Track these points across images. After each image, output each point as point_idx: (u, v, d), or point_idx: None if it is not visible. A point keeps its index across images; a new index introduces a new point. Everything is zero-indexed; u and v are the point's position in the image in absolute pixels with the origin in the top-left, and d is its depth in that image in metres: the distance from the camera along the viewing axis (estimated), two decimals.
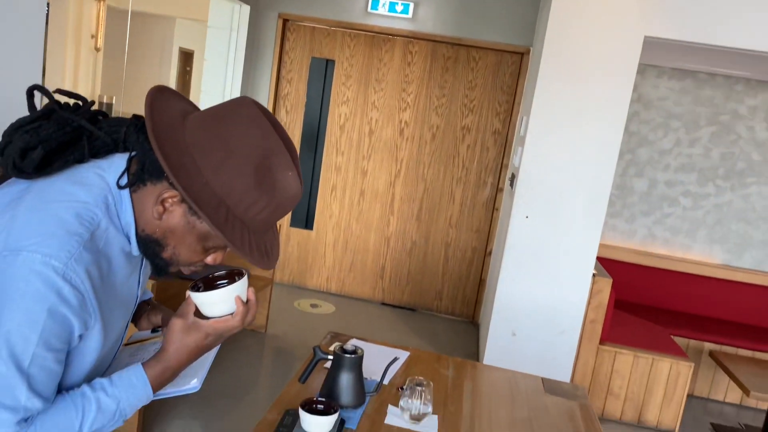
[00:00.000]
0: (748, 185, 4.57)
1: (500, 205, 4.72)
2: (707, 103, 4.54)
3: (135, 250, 1.05)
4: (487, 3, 4.55)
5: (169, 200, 0.99)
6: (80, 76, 13.28)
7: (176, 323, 1.08)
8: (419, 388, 1.72)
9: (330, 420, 1.53)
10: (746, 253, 4.62)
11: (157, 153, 0.94)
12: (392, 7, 4.64)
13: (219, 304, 1.08)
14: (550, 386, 2.12)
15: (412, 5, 4.62)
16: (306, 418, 1.52)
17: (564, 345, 3.62)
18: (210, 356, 1.21)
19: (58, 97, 1.05)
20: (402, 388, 1.79)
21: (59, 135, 1.01)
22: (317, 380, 1.86)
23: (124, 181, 1.01)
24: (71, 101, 1.07)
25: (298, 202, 1.05)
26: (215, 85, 4.72)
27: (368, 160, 4.89)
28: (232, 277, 1.14)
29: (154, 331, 1.28)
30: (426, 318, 4.86)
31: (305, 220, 5.05)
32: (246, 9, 4.64)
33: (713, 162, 4.59)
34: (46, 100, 1.07)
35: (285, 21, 4.82)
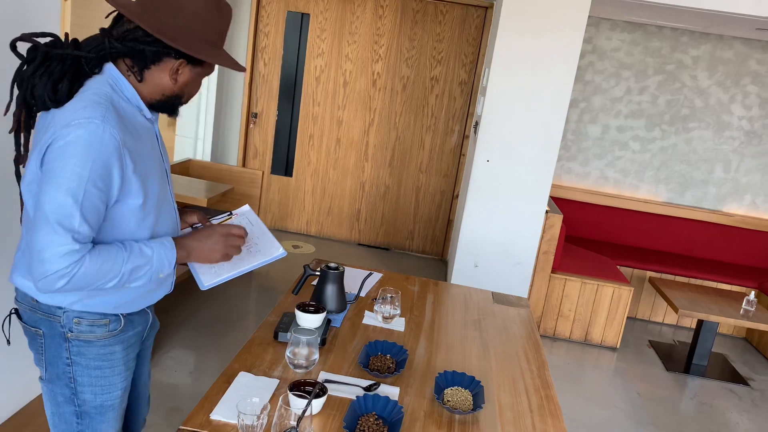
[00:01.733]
0: (690, 129, 5.01)
1: (466, 151, 5.10)
2: (655, 53, 4.92)
3: (147, 112, 1.42)
4: None
5: (179, 68, 1.38)
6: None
7: (199, 229, 1.51)
8: (389, 296, 2.13)
9: (320, 317, 1.93)
10: (687, 192, 5.10)
11: (159, 36, 1.30)
12: None
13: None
14: (498, 298, 2.55)
15: None
16: (301, 316, 1.91)
17: (520, 274, 4.07)
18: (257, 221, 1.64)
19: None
20: (375, 299, 2.19)
21: (68, 67, 1.34)
22: (305, 294, 2.25)
23: (139, 77, 1.37)
24: (46, 39, 1.41)
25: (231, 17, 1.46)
26: None
27: (343, 110, 5.20)
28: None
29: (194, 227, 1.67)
30: (399, 256, 5.28)
31: (285, 167, 5.37)
32: None
33: (660, 108, 5.01)
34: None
35: None
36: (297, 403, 1.51)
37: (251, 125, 5.31)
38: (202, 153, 5.10)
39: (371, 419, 1.54)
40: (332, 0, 5.03)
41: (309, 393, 1.57)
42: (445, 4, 4.95)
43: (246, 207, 1.80)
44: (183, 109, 5.01)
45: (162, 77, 1.39)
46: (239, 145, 5.28)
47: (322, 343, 1.89)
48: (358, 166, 5.30)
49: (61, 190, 1.24)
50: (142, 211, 1.40)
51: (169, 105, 1.46)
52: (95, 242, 1.36)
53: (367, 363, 1.82)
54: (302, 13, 5.10)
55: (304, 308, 1.95)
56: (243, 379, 1.65)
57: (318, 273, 2.16)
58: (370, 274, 2.23)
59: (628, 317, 4.72)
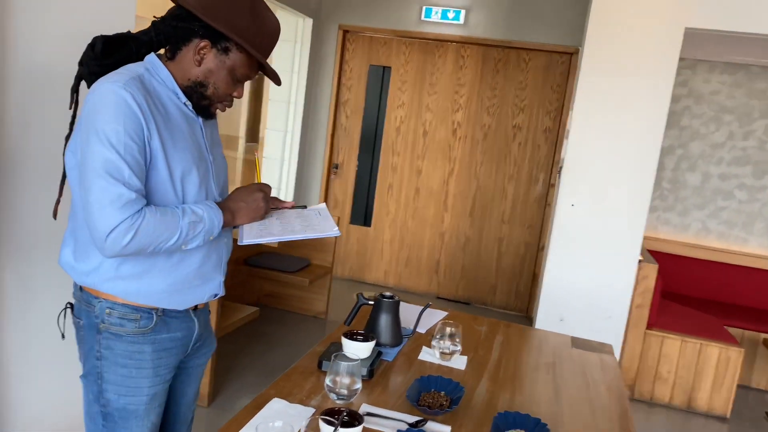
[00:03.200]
0: None
1: (552, 201, 4.85)
2: (761, 95, 4.54)
3: (182, 96, 1.44)
4: (537, 6, 4.74)
5: (203, 49, 1.40)
6: None
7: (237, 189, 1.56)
8: (449, 329, 1.93)
9: (368, 347, 1.77)
10: None
11: (194, 11, 1.36)
12: (444, 14, 4.90)
13: None
14: (578, 343, 2.28)
15: (463, 12, 4.86)
16: (348, 344, 1.76)
17: (611, 330, 3.71)
18: (325, 211, 1.62)
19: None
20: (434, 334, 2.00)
21: (119, 48, 1.44)
22: (359, 326, 2.10)
23: (170, 54, 1.44)
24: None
25: (279, 35, 1.49)
26: (281, 94, 5.09)
27: (423, 159, 5.13)
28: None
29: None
30: (480, 311, 5.02)
31: (364, 217, 5.33)
32: (309, 22, 5.01)
33: None
34: None
35: (345, 32, 5.16)
36: (326, 430, 1.34)
37: (332, 176, 5.34)
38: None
39: None
40: (413, 52, 5.06)
41: (345, 423, 1.40)
42: (528, 51, 4.85)
43: (322, 205, 1.74)
44: (267, 161, 5.13)
45: (189, 59, 1.42)
46: (320, 195, 5.31)
47: (369, 375, 1.73)
48: (438, 216, 5.16)
49: (104, 145, 1.27)
50: (172, 187, 1.39)
51: (197, 95, 1.45)
52: None
53: (418, 398, 1.63)
54: (384, 67, 5.15)
55: (351, 336, 1.80)
56: (275, 405, 1.51)
57: (372, 303, 2.01)
58: (427, 306, 2.05)
59: (739, 385, 4.17)
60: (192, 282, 1.49)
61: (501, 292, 5.11)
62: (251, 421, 1.40)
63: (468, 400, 1.69)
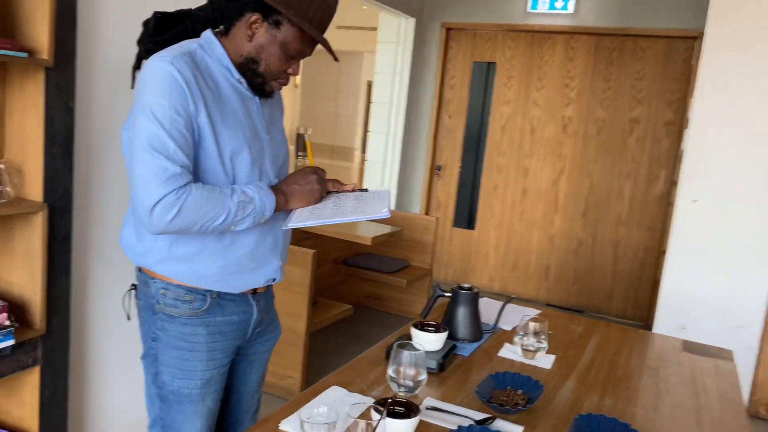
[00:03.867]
0: None
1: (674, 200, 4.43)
2: None
3: (236, 73, 1.39)
4: None
5: (255, 23, 1.35)
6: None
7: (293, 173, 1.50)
8: (534, 325, 1.76)
9: (439, 338, 1.64)
10: None
11: None
12: (552, 4, 4.66)
13: None
14: (691, 346, 2.00)
15: (572, 1, 4.59)
16: (417, 335, 1.64)
17: (743, 341, 3.29)
18: (385, 195, 1.51)
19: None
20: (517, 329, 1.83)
21: (175, 24, 1.43)
22: (437, 319, 1.97)
23: (225, 30, 1.40)
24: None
25: (336, 7, 1.41)
26: (383, 96, 5.07)
27: (530, 158, 4.89)
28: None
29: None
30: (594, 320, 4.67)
31: (467, 220, 5.16)
32: (411, 21, 4.96)
33: None
34: None
35: (448, 29, 5.06)
36: (392, 425, 1.23)
37: (435, 178, 5.23)
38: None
39: None
40: (519, 46, 4.85)
41: (398, 413, 1.28)
42: (645, 39, 4.48)
43: (386, 189, 1.66)
44: (369, 164, 5.12)
45: (242, 34, 1.38)
46: (422, 197, 5.22)
47: (440, 368, 1.59)
48: (547, 219, 4.88)
49: (150, 120, 1.26)
50: (221, 166, 1.35)
51: (249, 72, 1.40)
52: None
53: (490, 396, 1.47)
54: (488, 63, 4.98)
55: (422, 327, 1.68)
56: (333, 393, 1.42)
57: (448, 295, 1.88)
58: (509, 300, 1.88)
59: None
60: (245, 265, 1.44)
61: (618, 299, 4.73)
62: (303, 408, 1.32)
63: (548, 400, 1.51)
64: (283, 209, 1.43)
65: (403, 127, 5.07)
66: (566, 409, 1.46)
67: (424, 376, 1.46)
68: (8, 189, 1.69)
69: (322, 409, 1.20)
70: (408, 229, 4.24)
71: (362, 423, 1.11)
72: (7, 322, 1.64)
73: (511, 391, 1.51)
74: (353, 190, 1.56)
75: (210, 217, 1.29)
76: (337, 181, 1.57)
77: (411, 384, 1.44)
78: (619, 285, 4.72)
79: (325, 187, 1.48)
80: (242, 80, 1.41)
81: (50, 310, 1.79)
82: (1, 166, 1.67)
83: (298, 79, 13.63)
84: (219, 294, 1.44)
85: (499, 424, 1.36)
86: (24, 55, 1.58)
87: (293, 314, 2.90)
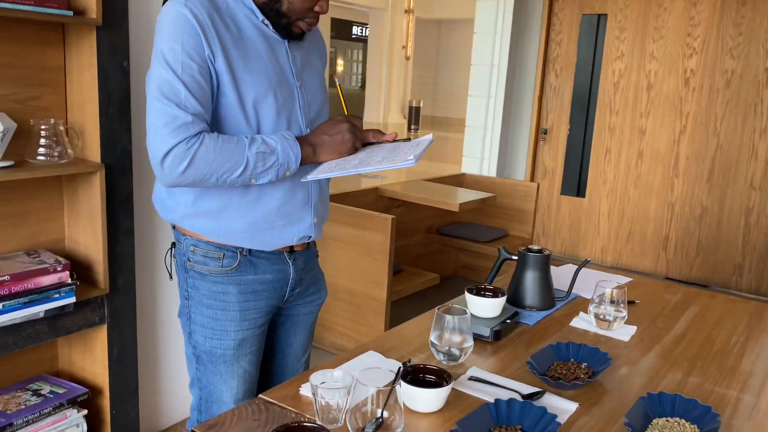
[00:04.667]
0: None
1: None
2: None
3: (260, 14, 1.30)
4: None
5: None
6: (393, 83, 14.66)
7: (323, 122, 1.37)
8: (611, 291, 1.54)
9: (496, 304, 1.47)
10: None
11: None
12: None
13: None
14: None
15: None
16: (471, 300, 1.49)
17: None
18: (423, 144, 1.37)
19: None
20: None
21: None
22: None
23: None
24: None
25: None
26: (483, 57, 4.82)
27: (647, 117, 4.44)
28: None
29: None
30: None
31: (577, 187, 4.81)
32: None
33: None
34: None
35: None
36: (416, 393, 1.11)
37: (540, 142, 4.91)
38: (488, 171, 4.89)
39: None
40: None
41: (429, 382, 1.15)
42: None
43: (429, 135, 1.51)
44: (468, 131, 4.90)
45: None
46: (527, 164, 4.93)
47: (495, 336, 1.43)
48: (666, 184, 4.43)
49: (162, 65, 1.20)
50: (243, 114, 1.27)
51: (273, 12, 1.30)
52: None
53: (548, 368, 1.30)
54: (599, 15, 4.57)
55: (478, 291, 1.52)
56: (368, 358, 1.31)
57: (515, 258, 1.69)
58: (585, 263, 1.67)
59: None
60: (275, 222, 1.36)
61: (749, 273, 4.21)
62: (320, 372, 1.22)
63: (617, 376, 1.30)
64: (311, 162, 1.33)
65: (505, 89, 4.79)
66: (637, 387, 1.25)
67: (469, 344, 1.31)
68: (69, 150, 1.73)
69: (337, 373, 1.10)
70: (507, 197, 4.01)
71: (372, 389, 0.99)
72: (69, 280, 1.69)
73: (574, 364, 1.32)
74: (394, 140, 1.42)
75: (226, 169, 1.22)
76: (378, 131, 1.44)
77: (456, 352, 1.30)
78: (751, 257, 4.19)
79: (358, 137, 1.35)
80: (267, 22, 1.31)
81: (114, 269, 1.83)
82: (61, 127, 1.71)
83: (409, 50, 13.49)
84: (250, 251, 1.37)
85: (548, 399, 1.18)
86: (69, 13, 1.59)
87: (374, 282, 2.83)
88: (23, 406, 1.72)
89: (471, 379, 1.25)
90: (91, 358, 1.91)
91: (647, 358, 1.40)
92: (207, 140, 1.20)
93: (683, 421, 1.12)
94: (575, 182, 4.82)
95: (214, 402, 1.42)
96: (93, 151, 1.77)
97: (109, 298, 1.82)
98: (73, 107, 1.79)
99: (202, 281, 1.36)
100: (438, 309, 1.32)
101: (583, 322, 1.58)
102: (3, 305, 1.55)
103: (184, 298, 1.41)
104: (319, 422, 1.06)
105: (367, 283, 2.86)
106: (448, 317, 1.30)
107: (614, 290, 1.53)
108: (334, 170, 1.29)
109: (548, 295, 1.66)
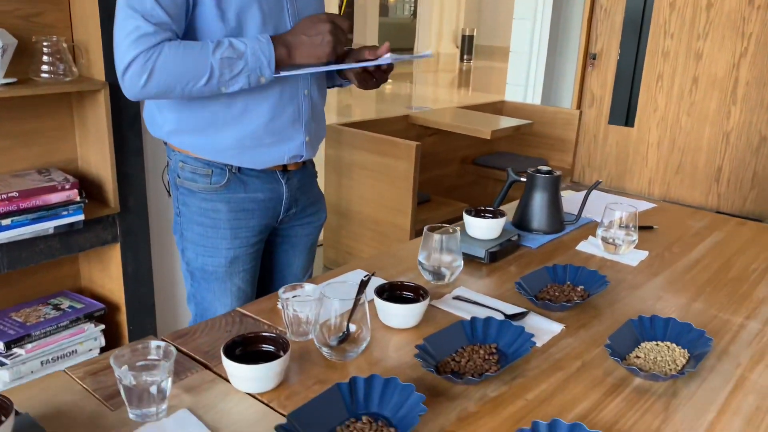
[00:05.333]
0: None
1: None
2: None
3: None
4: None
5: None
6: (445, 12, 14.15)
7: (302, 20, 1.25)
8: (620, 213, 1.45)
9: (494, 225, 1.41)
10: None
11: None
12: None
13: None
14: None
15: None
16: (468, 221, 1.43)
17: None
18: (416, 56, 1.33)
19: None
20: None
21: None
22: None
23: None
24: None
25: None
26: None
27: (704, 40, 4.12)
28: None
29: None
30: None
31: (625, 116, 4.57)
32: None
33: None
34: None
35: None
36: (391, 309, 1.08)
37: (589, 68, 4.65)
38: (532, 99, 4.70)
39: (481, 351, 1.01)
40: None
41: (407, 298, 1.12)
42: None
43: (429, 52, 1.43)
44: (513, 56, 4.68)
45: None
46: (574, 91, 4.68)
47: (490, 258, 1.38)
48: (722, 111, 4.14)
49: None
50: (223, 25, 1.20)
51: None
52: None
53: (540, 290, 1.24)
54: None
55: (477, 213, 1.46)
56: (353, 276, 1.28)
57: (523, 180, 1.61)
58: (597, 184, 1.58)
59: None
60: (263, 139, 1.31)
61: None
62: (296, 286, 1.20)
63: (614, 299, 1.23)
64: (286, 64, 1.23)
65: (552, 11, 4.53)
66: (633, 311, 1.18)
67: (460, 263, 1.27)
68: (74, 68, 1.73)
69: (308, 287, 1.08)
70: (548, 125, 3.85)
71: (336, 302, 0.97)
72: (77, 198, 1.72)
73: (570, 287, 1.26)
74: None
75: (189, 78, 1.16)
76: (374, 47, 1.34)
77: (444, 271, 1.26)
78: None
79: (341, 41, 1.25)
80: None
81: (124, 189, 1.85)
82: (65, 44, 1.70)
83: None
84: (239, 169, 1.34)
85: (533, 320, 1.13)
86: None
87: (398, 210, 2.79)
88: (42, 319, 1.79)
89: (456, 298, 1.21)
90: (108, 276, 1.96)
91: (652, 283, 1.32)
92: (166, 50, 1.14)
93: (673, 345, 1.05)
94: (624, 111, 4.57)
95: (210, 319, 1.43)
96: (98, 69, 1.76)
97: (121, 217, 1.85)
98: (78, 24, 1.77)
99: (192, 198, 1.35)
100: (426, 228, 1.27)
101: (590, 246, 1.50)
102: (12, 220, 1.59)
103: (176, 215, 1.40)
104: (289, 335, 1.05)
105: (392, 212, 2.83)
106: (436, 236, 1.25)
107: (624, 213, 1.44)
108: (308, 68, 1.22)
109: (556, 219, 1.58)
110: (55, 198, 1.67)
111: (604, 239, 1.46)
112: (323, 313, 0.97)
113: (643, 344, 1.06)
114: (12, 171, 1.76)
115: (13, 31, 1.63)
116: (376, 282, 1.24)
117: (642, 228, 1.63)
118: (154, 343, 0.85)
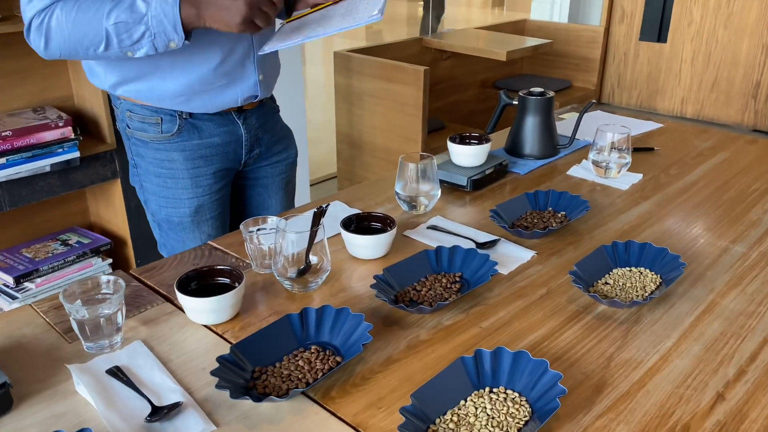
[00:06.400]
0: None
1: None
2: None
3: None
4: None
5: None
6: None
7: None
8: (612, 135, 1.38)
9: (478, 151, 1.37)
10: None
11: None
12: None
13: None
14: None
15: None
16: (452, 148, 1.39)
17: None
18: None
19: None
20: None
21: None
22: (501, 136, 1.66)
23: None
24: None
25: None
26: None
27: None
28: None
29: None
30: None
31: (658, 31, 4.32)
32: None
33: None
34: None
35: None
36: (355, 240, 1.07)
37: None
38: (558, 17, 4.49)
39: (444, 280, 1.00)
40: None
41: (375, 229, 1.11)
42: None
43: None
44: None
45: None
46: (603, 5, 4.44)
47: (472, 186, 1.34)
48: (762, 22, 3.88)
49: None
50: None
51: None
52: None
53: (518, 216, 1.21)
54: None
55: (461, 140, 1.41)
56: (333, 208, 1.27)
57: (515, 102, 1.55)
58: (590, 104, 1.51)
59: None
60: (214, 83, 1.23)
61: None
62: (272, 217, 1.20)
63: (597, 224, 1.20)
64: (195, 26, 1.09)
65: None
66: (612, 237, 1.15)
67: (435, 192, 1.24)
68: None
69: (272, 220, 1.07)
70: (572, 44, 3.68)
71: (292, 235, 0.96)
72: (72, 135, 1.73)
73: (550, 213, 1.22)
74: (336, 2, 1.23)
75: (87, 45, 1.07)
76: None
77: (424, 201, 1.24)
78: None
79: (265, 8, 1.09)
80: None
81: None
82: None
83: None
84: (190, 115, 1.26)
85: (504, 248, 1.11)
86: None
87: (409, 138, 2.74)
88: (50, 255, 1.85)
89: (430, 227, 1.19)
90: (114, 211, 2.00)
91: (639, 207, 1.27)
92: (58, 11, 1.04)
93: (647, 270, 1.02)
94: (656, 25, 4.32)
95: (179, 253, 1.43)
96: None
97: (118, 153, 1.87)
98: None
99: (145, 149, 1.29)
100: (401, 157, 1.24)
101: (582, 170, 1.45)
102: (7, 159, 1.62)
103: (132, 167, 1.35)
104: (254, 267, 1.05)
105: (403, 140, 2.78)
106: (411, 165, 1.22)
107: (616, 135, 1.37)
108: (292, 38, 1.16)
109: (548, 143, 1.52)
110: (49, 136, 1.69)
111: (595, 162, 1.40)
112: (281, 245, 0.97)
113: (615, 270, 1.03)
114: (8, 110, 1.78)
115: None
116: (347, 213, 1.23)
117: (641, 150, 1.56)
118: (104, 278, 0.87)
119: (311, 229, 0.96)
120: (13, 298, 1.75)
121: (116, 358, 0.83)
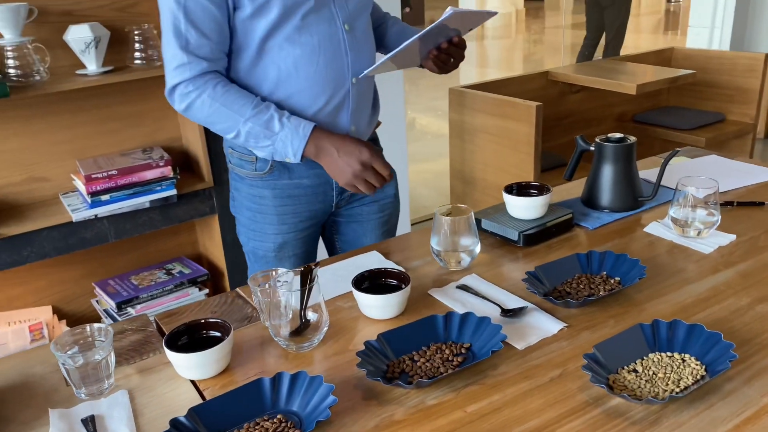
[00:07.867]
0: None
1: None
2: None
3: None
4: None
5: None
6: None
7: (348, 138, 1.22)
8: (692, 190, 1.19)
9: (537, 204, 1.25)
10: None
11: None
12: None
13: None
14: None
15: None
16: (508, 200, 1.28)
17: None
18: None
19: None
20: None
21: None
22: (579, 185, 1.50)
23: None
24: None
25: None
26: None
27: None
28: None
29: None
30: None
31: None
32: None
33: None
34: None
35: None
36: (362, 299, 1.03)
37: None
38: (719, 44, 4.07)
39: (447, 351, 0.91)
40: None
41: (391, 286, 1.05)
42: None
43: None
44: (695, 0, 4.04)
45: None
46: None
47: (525, 242, 1.23)
48: None
49: None
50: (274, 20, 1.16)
51: None
52: (236, 81, 1.23)
53: (563, 281, 1.08)
54: None
55: (519, 190, 1.30)
56: (365, 259, 1.23)
57: (592, 148, 1.40)
58: (674, 153, 1.31)
59: None
60: None
61: None
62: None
63: (652, 294, 1.03)
64: (311, 158, 1.23)
65: None
66: (670, 309, 0.98)
67: (475, 248, 1.15)
68: None
69: (282, 272, 1.05)
70: (725, 73, 3.29)
71: (285, 293, 0.94)
72: (171, 174, 1.87)
73: (603, 278, 1.08)
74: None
75: (219, 129, 1.22)
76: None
77: (459, 257, 1.15)
78: None
79: (370, 180, 1.21)
80: None
81: (217, 165, 1.96)
82: (155, 31, 1.83)
83: None
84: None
85: (533, 317, 0.99)
86: None
87: (519, 176, 2.61)
88: (153, 283, 2.00)
89: (459, 287, 1.10)
90: (214, 244, 2.13)
91: (717, 276, 1.08)
92: (205, 97, 1.17)
93: (692, 359, 0.85)
94: None
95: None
96: None
97: (216, 190, 1.98)
98: None
99: (241, 183, 1.37)
100: (437, 210, 1.17)
101: (661, 227, 1.27)
102: (110, 196, 1.79)
103: (231, 198, 1.44)
104: (262, 320, 1.04)
105: (514, 178, 2.65)
106: (443, 218, 1.14)
107: (699, 190, 1.18)
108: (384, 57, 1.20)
109: (628, 195, 1.35)
110: (150, 174, 1.84)
111: (674, 220, 1.22)
112: (275, 304, 0.95)
113: (651, 355, 0.87)
114: (122, 150, 1.97)
115: (109, 23, 1.80)
116: (382, 266, 1.18)
117: (747, 204, 1.33)
118: (96, 326, 0.90)
119: (300, 288, 0.93)
120: (117, 321, 1.91)
121: (97, 406, 0.86)
